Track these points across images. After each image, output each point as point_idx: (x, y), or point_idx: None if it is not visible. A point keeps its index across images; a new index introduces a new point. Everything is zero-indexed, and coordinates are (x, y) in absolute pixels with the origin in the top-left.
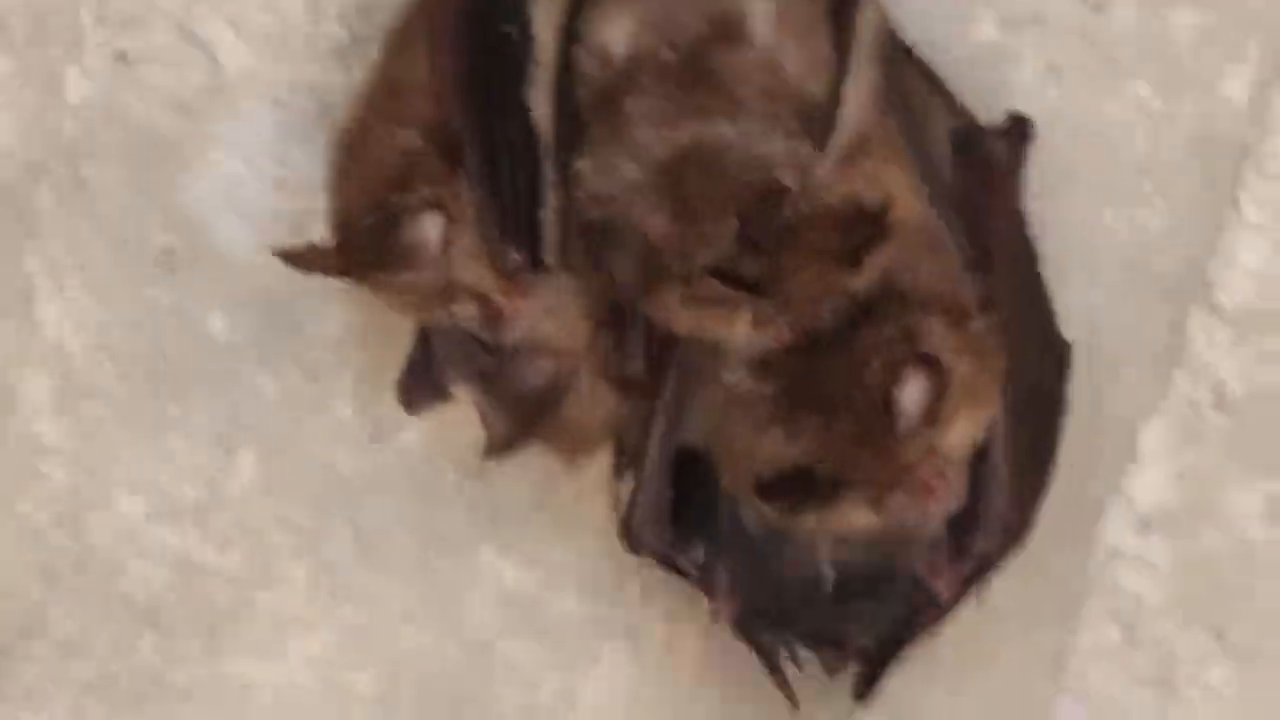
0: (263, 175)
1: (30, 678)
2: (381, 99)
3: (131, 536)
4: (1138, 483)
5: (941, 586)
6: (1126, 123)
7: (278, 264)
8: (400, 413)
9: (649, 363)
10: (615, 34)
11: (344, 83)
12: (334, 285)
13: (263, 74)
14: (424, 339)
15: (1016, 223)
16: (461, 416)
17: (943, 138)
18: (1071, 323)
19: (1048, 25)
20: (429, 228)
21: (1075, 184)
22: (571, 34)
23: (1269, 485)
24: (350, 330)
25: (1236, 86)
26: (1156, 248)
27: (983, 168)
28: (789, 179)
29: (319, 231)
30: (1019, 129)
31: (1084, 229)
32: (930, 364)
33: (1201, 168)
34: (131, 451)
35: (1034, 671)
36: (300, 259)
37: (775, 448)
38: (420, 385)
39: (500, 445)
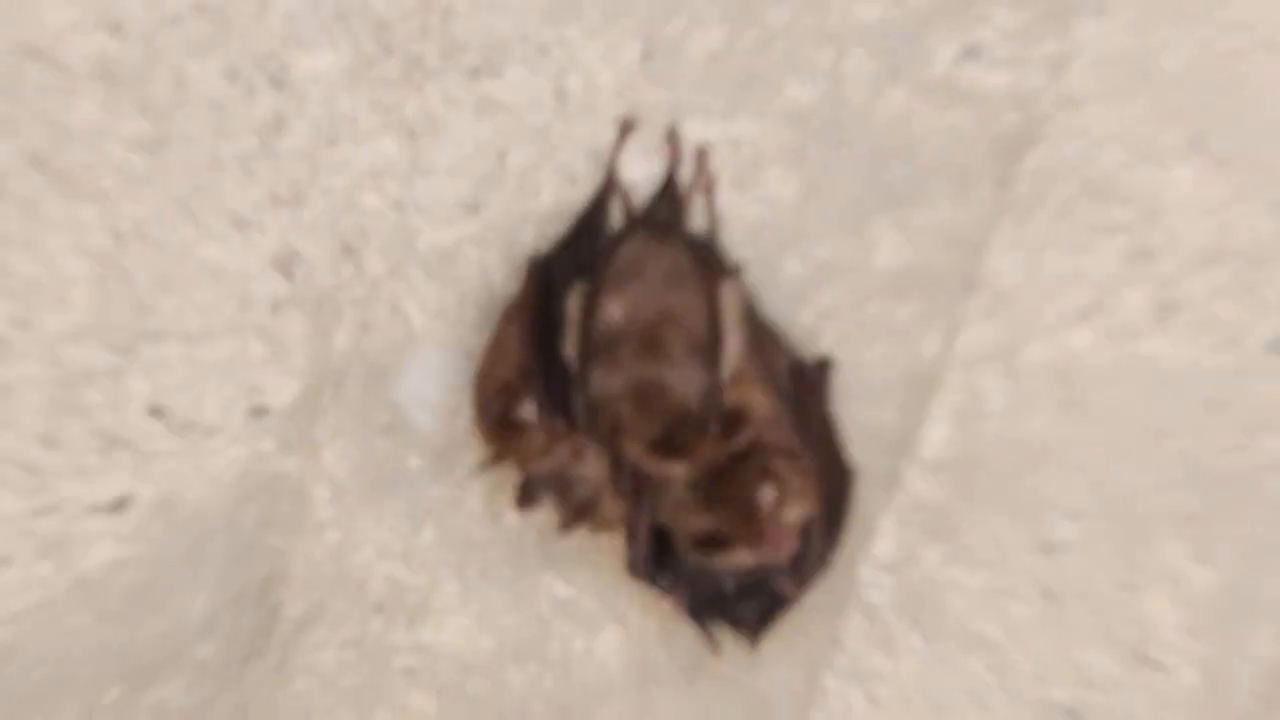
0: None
1: None
2: (494, 350)
3: None
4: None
5: (790, 590)
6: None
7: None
8: None
9: (632, 487)
10: (613, 313)
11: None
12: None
13: (438, 332)
14: (527, 478)
15: (824, 412)
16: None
17: (784, 367)
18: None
19: None
20: (525, 411)
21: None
22: (588, 312)
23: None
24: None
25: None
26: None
27: (805, 384)
28: (694, 400)
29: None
30: (825, 364)
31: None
32: (777, 480)
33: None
34: None
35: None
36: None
37: (700, 524)
38: (526, 499)
39: (565, 526)
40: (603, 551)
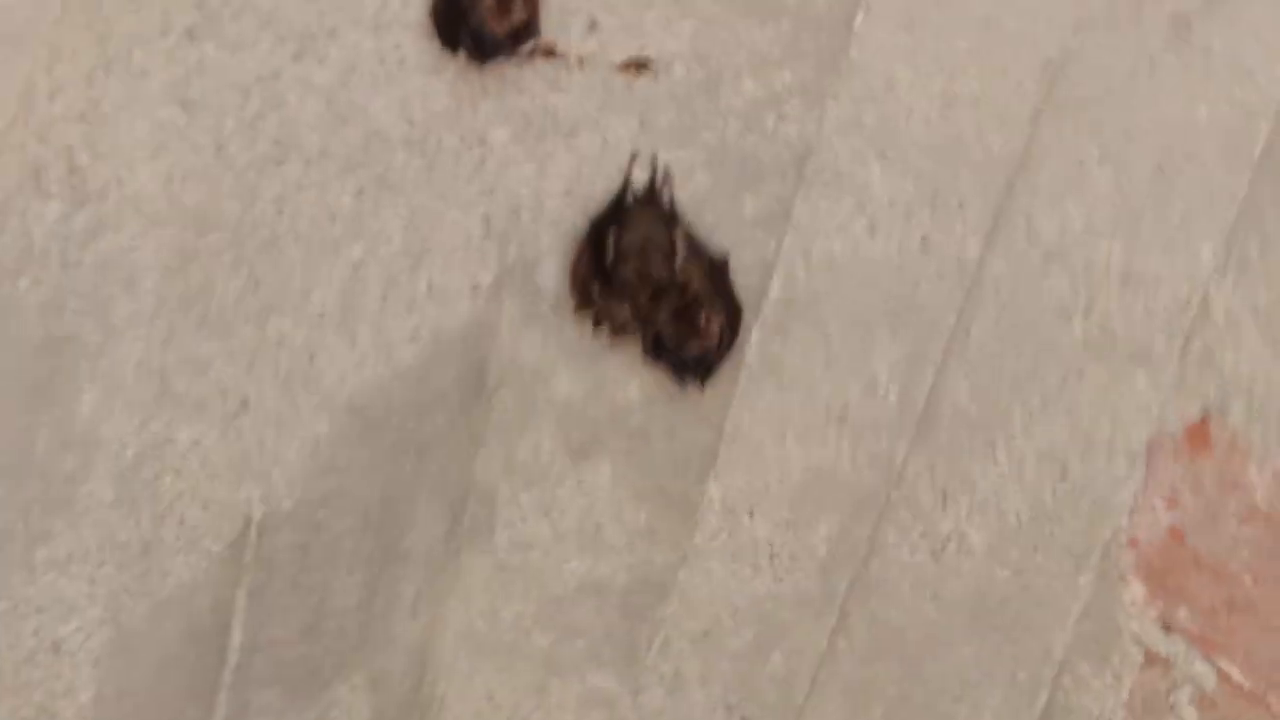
0: None
1: None
2: (576, 260)
3: None
4: None
5: (716, 359)
6: None
7: None
8: None
9: (641, 317)
10: (628, 240)
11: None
12: None
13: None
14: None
15: (728, 277)
16: None
17: (707, 256)
18: None
19: None
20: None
21: None
22: (618, 240)
23: None
24: None
25: None
26: None
27: (716, 265)
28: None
29: None
30: (725, 256)
31: None
32: (708, 310)
33: None
34: None
35: None
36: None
37: (671, 330)
38: (584, 308)
39: (607, 332)
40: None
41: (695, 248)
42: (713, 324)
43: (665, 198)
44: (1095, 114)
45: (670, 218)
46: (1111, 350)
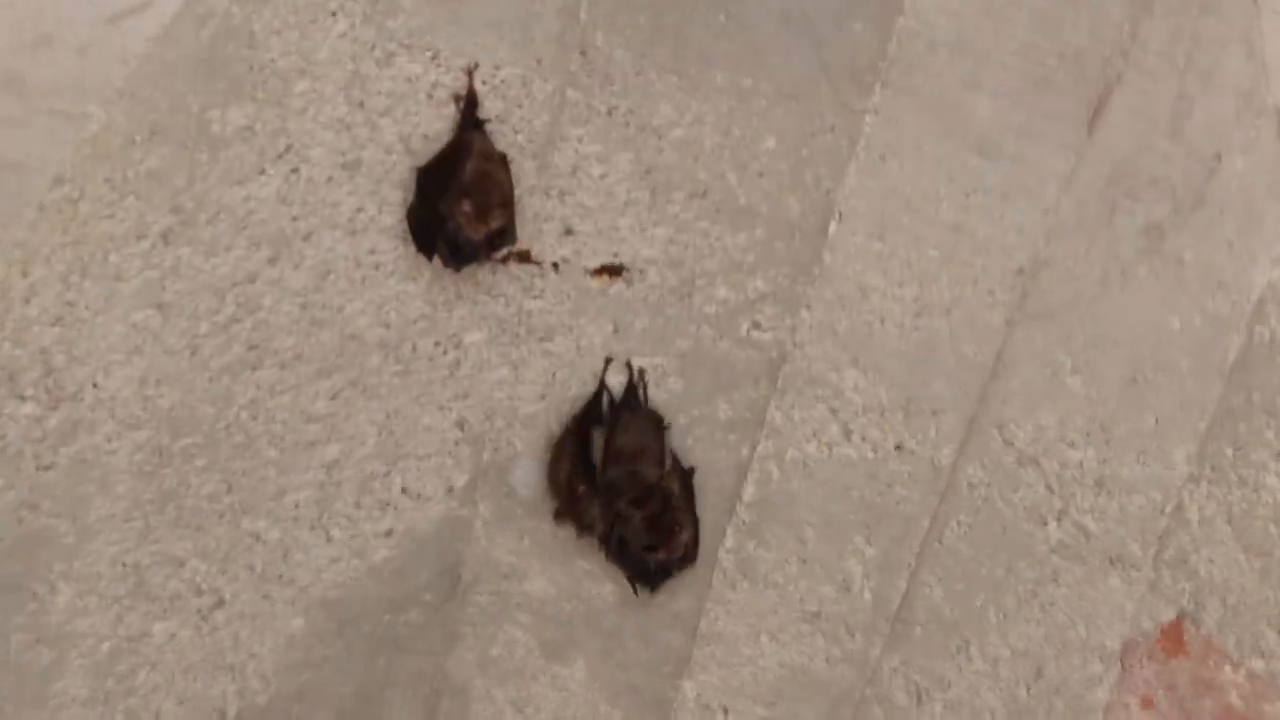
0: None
1: None
2: (556, 459)
3: None
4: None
5: (679, 568)
6: None
7: None
8: None
9: (612, 525)
10: (618, 442)
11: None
12: None
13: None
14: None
15: (691, 491)
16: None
17: (679, 469)
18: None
19: None
20: (577, 487)
21: None
22: (607, 442)
23: None
24: None
25: None
26: None
27: (684, 476)
28: (653, 479)
29: None
30: (691, 469)
31: None
32: (679, 521)
33: None
34: None
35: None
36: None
37: (642, 539)
38: (560, 519)
39: (577, 530)
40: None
41: (674, 455)
42: (683, 535)
43: (639, 402)
44: (1067, 322)
45: (661, 425)
46: (1086, 553)
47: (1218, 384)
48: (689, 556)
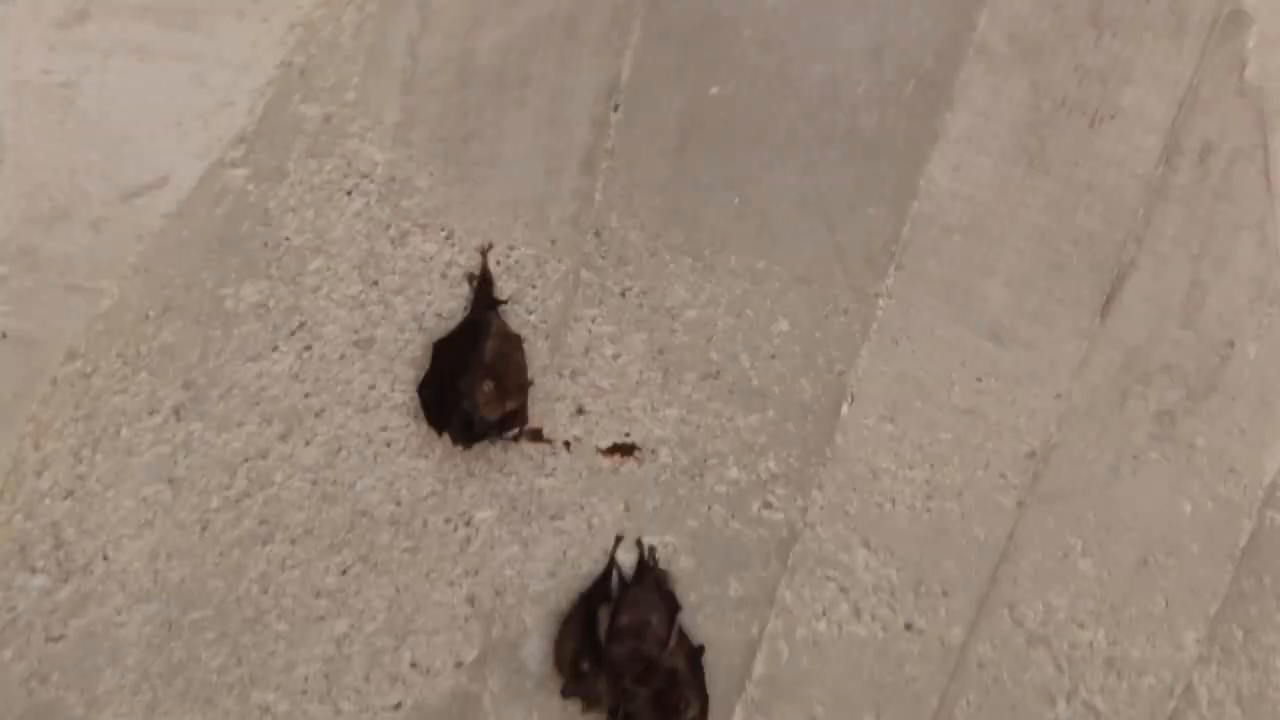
0: None
1: None
2: (563, 637)
3: None
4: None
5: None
6: None
7: None
8: None
9: (619, 699)
10: (623, 620)
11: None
12: None
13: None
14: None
15: (700, 668)
16: None
17: (689, 647)
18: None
19: None
20: (583, 665)
21: None
22: (612, 619)
23: None
24: None
25: None
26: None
27: (693, 652)
28: (658, 658)
29: None
30: (700, 647)
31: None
32: (687, 698)
33: None
34: None
35: None
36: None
37: (649, 714)
38: (569, 693)
39: (584, 707)
40: None
41: (682, 633)
42: (689, 712)
43: (666, 582)
44: (1078, 505)
45: (672, 603)
46: None
47: (1228, 567)
48: None
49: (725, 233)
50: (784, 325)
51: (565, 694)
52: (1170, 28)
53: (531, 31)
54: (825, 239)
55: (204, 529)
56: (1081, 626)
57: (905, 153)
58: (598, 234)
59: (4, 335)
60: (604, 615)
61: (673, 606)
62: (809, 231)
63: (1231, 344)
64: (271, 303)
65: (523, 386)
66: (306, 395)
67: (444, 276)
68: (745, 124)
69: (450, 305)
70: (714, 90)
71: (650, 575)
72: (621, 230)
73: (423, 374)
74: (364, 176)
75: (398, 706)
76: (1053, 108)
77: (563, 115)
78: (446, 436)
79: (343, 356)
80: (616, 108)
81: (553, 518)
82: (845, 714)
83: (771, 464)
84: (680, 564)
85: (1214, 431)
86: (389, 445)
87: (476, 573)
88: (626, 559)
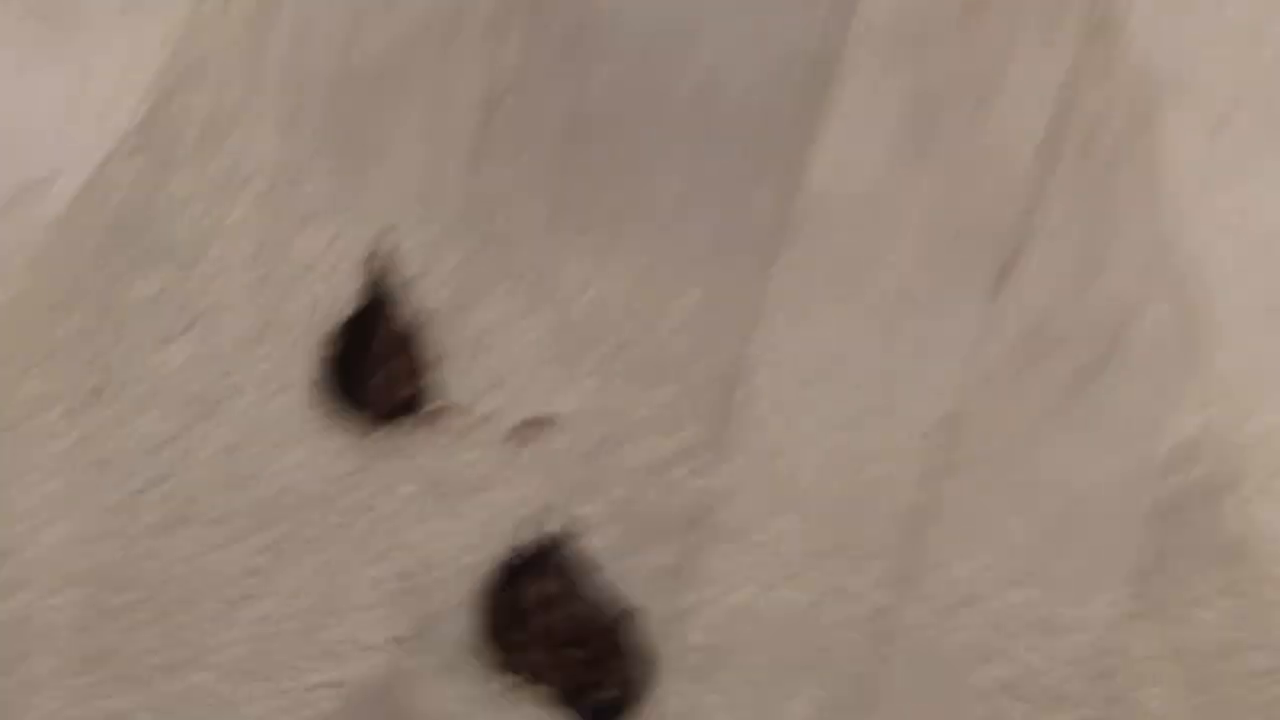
0: None
1: None
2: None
3: None
4: None
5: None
6: None
7: None
8: None
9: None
10: (550, 587)
11: None
12: None
13: None
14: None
15: None
16: None
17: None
18: None
19: None
20: None
21: None
22: None
23: None
24: None
25: None
26: None
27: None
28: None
29: None
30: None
31: None
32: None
33: None
34: None
35: None
36: None
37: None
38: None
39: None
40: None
41: (605, 599)
42: (624, 673)
43: (573, 550)
44: (1001, 466)
45: (582, 569)
46: (1031, 692)
47: (1154, 524)
48: (634, 695)
49: (620, 214)
50: (690, 298)
51: (498, 666)
52: (1053, 4)
53: (416, 23)
54: (720, 216)
55: (127, 512)
56: (1013, 585)
57: (794, 131)
58: (492, 218)
59: None
60: (531, 584)
61: (598, 573)
62: (704, 210)
63: (1131, 311)
64: (171, 292)
65: (428, 365)
66: (214, 380)
67: (340, 263)
68: (632, 111)
69: (348, 290)
70: (600, 78)
71: (573, 544)
72: (517, 215)
73: (328, 357)
74: (255, 169)
75: (340, 685)
76: (941, 82)
77: (450, 105)
78: (359, 416)
79: (247, 341)
80: (503, 97)
81: (475, 490)
82: (775, 683)
83: (688, 433)
84: (604, 534)
85: (1119, 396)
86: (303, 426)
87: (398, 550)
88: (549, 529)
